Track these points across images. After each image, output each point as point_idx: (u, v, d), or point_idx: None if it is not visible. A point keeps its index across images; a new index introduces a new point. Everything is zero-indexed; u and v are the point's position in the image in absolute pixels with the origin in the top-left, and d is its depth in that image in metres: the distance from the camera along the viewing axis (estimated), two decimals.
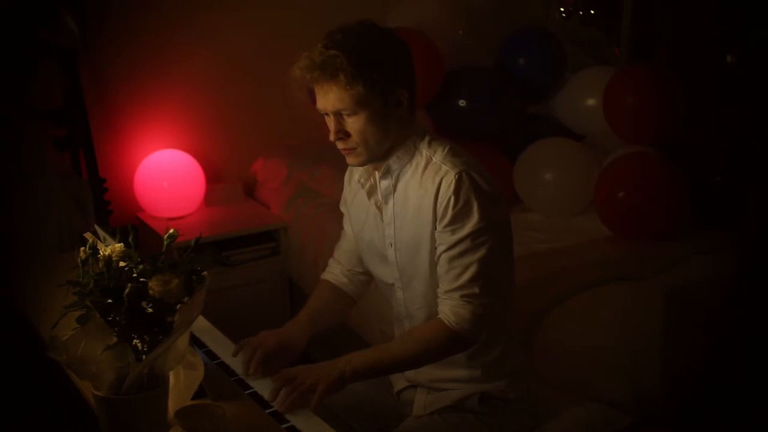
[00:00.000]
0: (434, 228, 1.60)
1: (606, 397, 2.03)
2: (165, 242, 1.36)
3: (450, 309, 1.58)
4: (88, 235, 1.37)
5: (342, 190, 1.87)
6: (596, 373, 2.18)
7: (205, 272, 1.35)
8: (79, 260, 1.31)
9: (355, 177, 1.76)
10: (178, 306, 1.28)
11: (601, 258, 2.55)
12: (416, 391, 1.77)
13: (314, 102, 1.59)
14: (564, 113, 3.39)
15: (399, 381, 1.82)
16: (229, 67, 3.51)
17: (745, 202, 2.80)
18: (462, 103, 3.13)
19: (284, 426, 1.45)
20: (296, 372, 1.55)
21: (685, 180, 2.66)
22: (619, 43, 3.96)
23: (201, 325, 1.84)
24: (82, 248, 1.31)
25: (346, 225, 1.87)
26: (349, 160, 1.64)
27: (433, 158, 1.61)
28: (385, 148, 1.62)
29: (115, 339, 1.28)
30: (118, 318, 1.27)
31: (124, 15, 3.24)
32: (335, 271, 1.90)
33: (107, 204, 3.18)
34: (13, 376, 1.61)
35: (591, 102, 3.23)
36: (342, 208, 1.88)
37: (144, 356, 1.27)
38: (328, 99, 1.54)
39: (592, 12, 4.26)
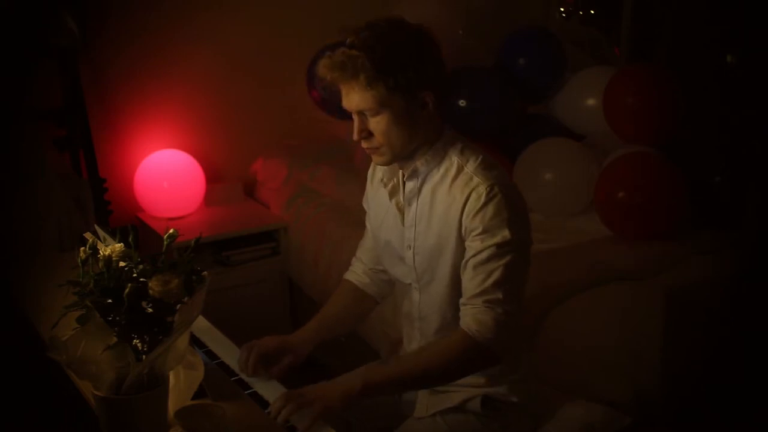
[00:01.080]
0: (459, 237, 1.58)
1: (606, 397, 2.02)
2: (165, 242, 1.36)
3: (472, 317, 1.54)
4: (88, 235, 1.37)
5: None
6: (596, 373, 2.18)
7: (205, 272, 1.35)
8: (79, 260, 1.31)
9: (378, 175, 1.75)
10: (178, 306, 1.28)
11: (601, 258, 2.55)
12: (418, 392, 1.76)
13: (340, 101, 1.57)
14: (564, 113, 3.39)
15: None
16: (229, 67, 3.51)
17: (745, 202, 2.79)
18: (462, 103, 3.13)
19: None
20: (303, 390, 1.54)
21: (685, 180, 2.65)
22: (619, 43, 3.95)
23: (201, 325, 1.84)
24: (82, 248, 1.31)
25: (368, 222, 1.85)
26: (375, 159, 1.64)
27: (465, 168, 1.59)
28: (411, 148, 1.59)
29: (115, 339, 1.28)
30: (118, 318, 1.27)
31: (124, 15, 3.24)
32: (357, 271, 1.89)
33: (107, 204, 3.18)
34: (13, 376, 1.61)
35: (591, 102, 3.22)
36: (364, 205, 1.85)
37: (144, 356, 1.28)
38: (351, 98, 1.53)
39: (592, 12, 4.26)
